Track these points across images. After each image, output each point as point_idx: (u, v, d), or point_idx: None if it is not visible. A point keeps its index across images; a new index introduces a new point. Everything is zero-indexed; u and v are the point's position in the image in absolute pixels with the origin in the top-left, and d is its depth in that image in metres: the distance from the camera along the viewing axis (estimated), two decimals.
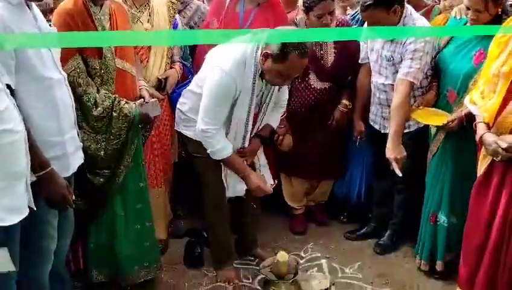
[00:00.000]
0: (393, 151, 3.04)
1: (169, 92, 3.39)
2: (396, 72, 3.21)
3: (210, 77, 2.90)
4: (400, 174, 3.00)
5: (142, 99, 2.87)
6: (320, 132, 3.70)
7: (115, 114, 2.72)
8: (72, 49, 2.57)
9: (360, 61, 3.55)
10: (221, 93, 2.89)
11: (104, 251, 2.99)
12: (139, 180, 2.97)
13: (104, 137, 2.76)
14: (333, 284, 3.28)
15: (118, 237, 2.96)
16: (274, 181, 3.13)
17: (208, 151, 3.00)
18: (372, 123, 3.57)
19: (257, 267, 3.34)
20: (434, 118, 3.14)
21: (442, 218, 3.24)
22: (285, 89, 3.32)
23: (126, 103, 2.77)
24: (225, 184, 3.17)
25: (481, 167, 2.73)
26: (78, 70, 2.63)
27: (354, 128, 3.67)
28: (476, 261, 2.78)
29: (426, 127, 3.30)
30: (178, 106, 3.24)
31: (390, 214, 3.70)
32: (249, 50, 2.89)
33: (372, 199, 3.84)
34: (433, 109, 3.21)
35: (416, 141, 3.37)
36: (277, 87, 3.11)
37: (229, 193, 3.22)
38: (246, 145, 3.14)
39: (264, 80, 2.97)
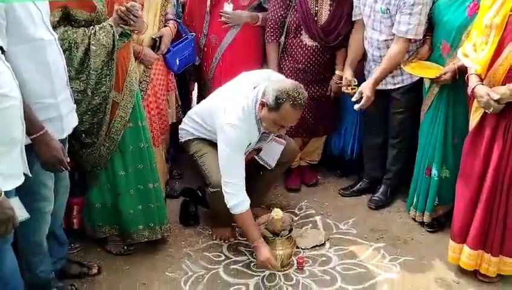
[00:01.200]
0: (368, 90, 3.20)
1: (164, 51, 3.35)
2: (393, 24, 3.19)
3: (223, 135, 2.99)
4: (356, 108, 3.22)
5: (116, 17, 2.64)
6: (313, 89, 3.67)
7: (93, 48, 2.61)
8: (55, 4, 2.48)
9: (353, 18, 3.49)
10: (237, 147, 2.99)
11: (109, 209, 3.03)
12: (139, 141, 2.94)
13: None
14: (328, 240, 3.33)
15: (119, 196, 2.98)
16: None
17: (229, 206, 3.00)
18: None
19: None
20: (427, 71, 3.13)
21: (434, 171, 3.27)
22: None
23: (100, 28, 2.62)
24: (263, 162, 3.31)
25: (473, 120, 2.73)
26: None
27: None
28: (468, 213, 2.80)
29: (420, 82, 3.29)
30: (181, 125, 3.41)
31: (384, 169, 3.72)
32: (250, 100, 2.99)
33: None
34: (427, 62, 3.21)
35: (410, 95, 3.37)
36: None
37: (273, 164, 3.34)
38: None
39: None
